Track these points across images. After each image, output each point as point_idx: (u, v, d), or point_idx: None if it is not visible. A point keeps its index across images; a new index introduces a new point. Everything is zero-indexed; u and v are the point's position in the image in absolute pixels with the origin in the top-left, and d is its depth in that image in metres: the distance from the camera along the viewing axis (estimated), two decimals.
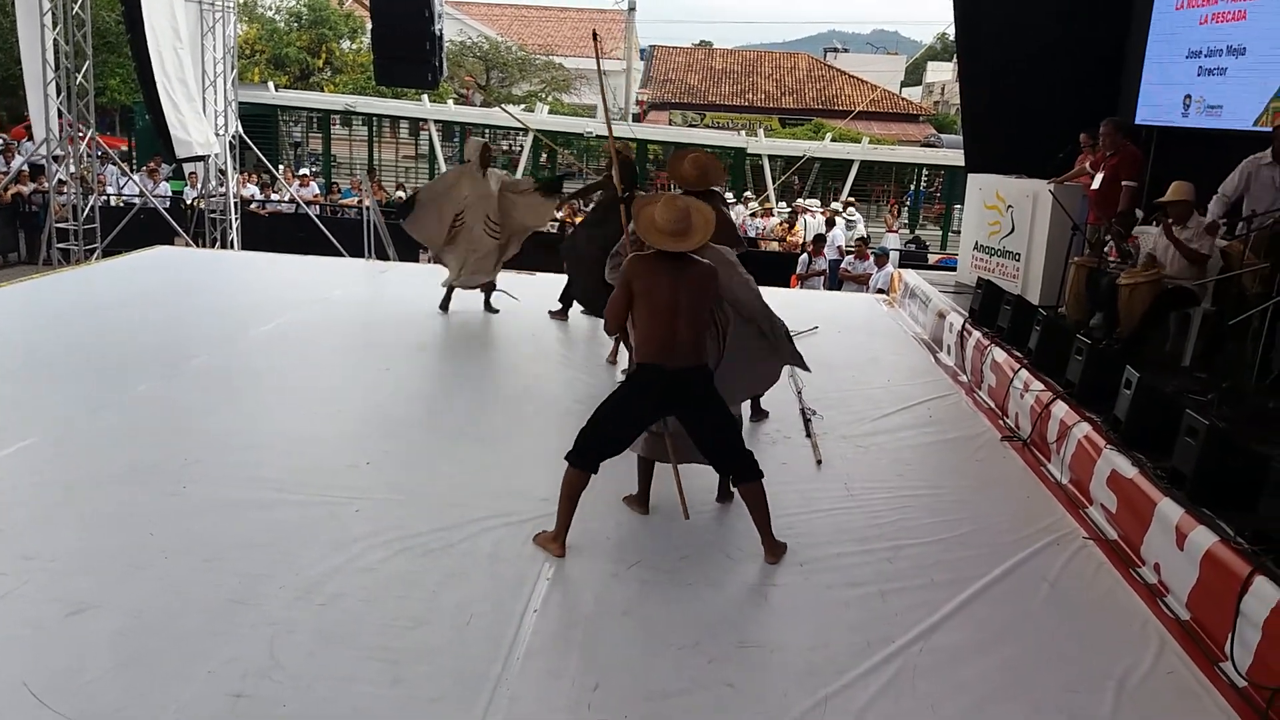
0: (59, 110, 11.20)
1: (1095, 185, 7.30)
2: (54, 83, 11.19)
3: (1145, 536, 4.14)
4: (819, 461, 5.22)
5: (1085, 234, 7.26)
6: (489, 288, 8.30)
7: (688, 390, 3.87)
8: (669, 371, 3.80)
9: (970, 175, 9.70)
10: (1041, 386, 5.74)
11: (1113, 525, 4.49)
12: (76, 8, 11.05)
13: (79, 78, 11.14)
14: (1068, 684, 3.33)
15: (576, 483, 3.89)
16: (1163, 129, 8.60)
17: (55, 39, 11.06)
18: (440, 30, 10.70)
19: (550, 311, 8.29)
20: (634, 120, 30.94)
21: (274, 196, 15.84)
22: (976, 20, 9.92)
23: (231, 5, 13.71)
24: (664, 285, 3.76)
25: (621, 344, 6.35)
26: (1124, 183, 7.08)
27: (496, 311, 8.24)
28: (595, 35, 5.43)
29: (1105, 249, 7.09)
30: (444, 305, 8.23)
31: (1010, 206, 8.55)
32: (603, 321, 4.20)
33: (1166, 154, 8.42)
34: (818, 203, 18.61)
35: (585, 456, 3.88)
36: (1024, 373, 6.01)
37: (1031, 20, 9.35)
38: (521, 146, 21.36)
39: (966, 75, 10.63)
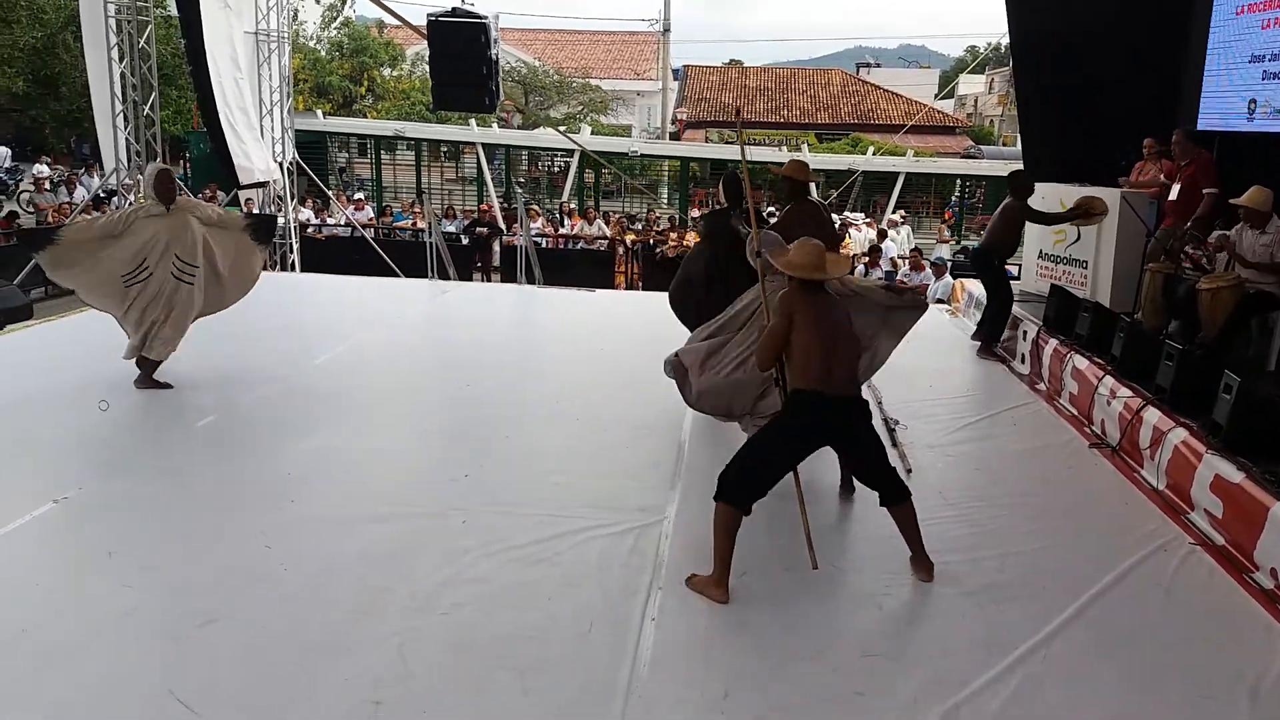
0: (126, 140, 11.47)
1: (1173, 196, 7.22)
2: (121, 114, 11.47)
3: (1259, 541, 4.09)
4: (909, 470, 5.20)
5: (1160, 239, 7.19)
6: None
7: (848, 420, 3.87)
8: (831, 399, 3.80)
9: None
10: (1129, 393, 5.68)
11: (1219, 531, 4.43)
12: (142, 41, 11.33)
13: (145, 109, 11.42)
14: (1199, 690, 3.29)
15: (732, 523, 3.76)
16: (1225, 134, 8.51)
17: (122, 71, 11.35)
18: (496, 55, 10.83)
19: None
20: (671, 138, 31.15)
21: (329, 220, 16.12)
22: (1030, 29, 9.89)
23: (286, 35, 13.99)
24: (823, 310, 3.89)
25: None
26: (1205, 190, 7.00)
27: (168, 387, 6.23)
28: (738, 112, 5.66)
29: (1182, 255, 7.02)
30: (144, 380, 6.19)
31: None
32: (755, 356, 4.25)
33: (1230, 159, 8.32)
34: (862, 216, 18.62)
35: (738, 494, 3.79)
36: (1109, 379, 5.96)
37: (1086, 28, 9.30)
38: (565, 165, 21.55)
39: (1022, 84, 10.58)
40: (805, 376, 3.82)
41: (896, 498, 3.97)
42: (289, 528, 4.25)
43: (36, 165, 19.43)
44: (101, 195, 14.80)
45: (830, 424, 3.86)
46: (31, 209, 17.07)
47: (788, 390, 3.97)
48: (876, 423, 5.80)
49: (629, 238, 15.39)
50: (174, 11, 15.17)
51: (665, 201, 23.57)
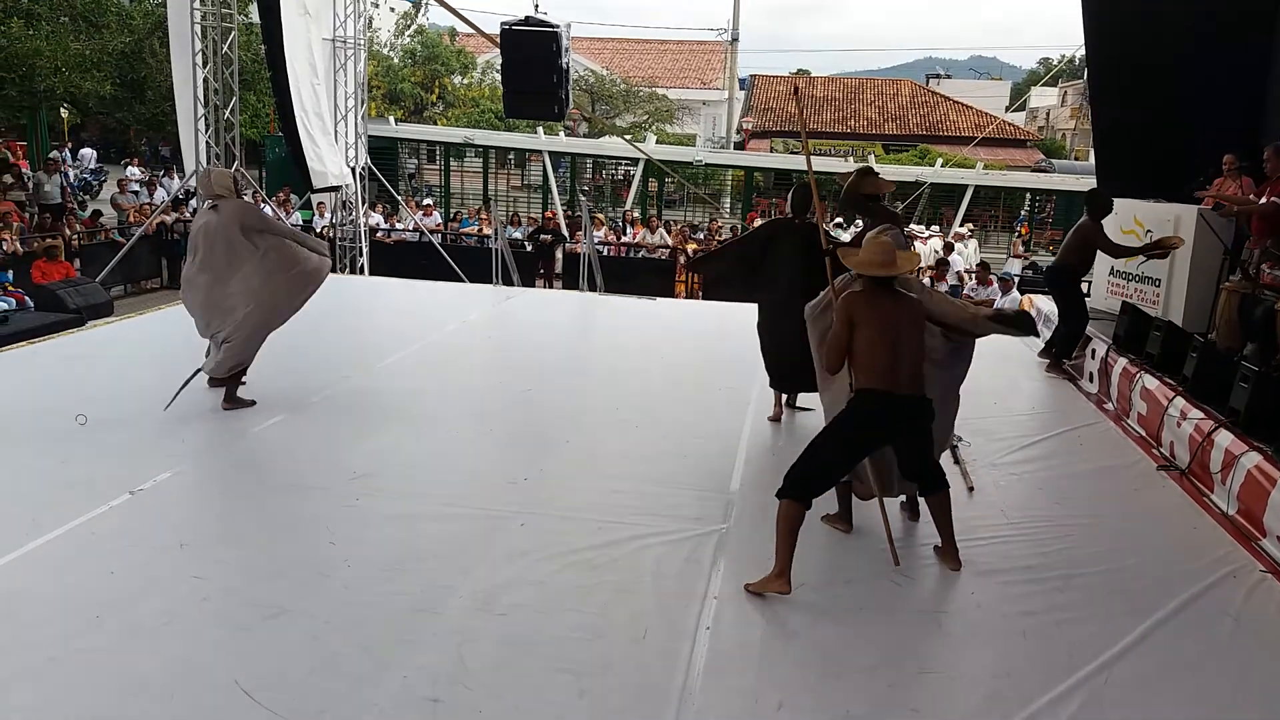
0: (206, 143, 11.86)
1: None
2: (202, 118, 11.86)
3: None
4: (970, 489, 5.14)
5: (1238, 258, 6.99)
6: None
7: (912, 420, 3.95)
8: (896, 397, 3.87)
9: None
10: (1201, 415, 5.54)
11: None
12: (225, 48, 11.71)
13: (225, 113, 11.79)
14: None
15: (795, 517, 3.81)
16: None
17: (205, 77, 11.73)
18: (567, 64, 10.95)
19: None
20: (736, 148, 31.12)
21: (398, 225, 16.45)
22: (1108, 42, 9.69)
23: (363, 42, 14.32)
24: (884, 312, 3.93)
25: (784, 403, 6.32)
26: (1272, 198, 6.79)
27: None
28: (796, 89, 5.61)
29: (1258, 274, 6.81)
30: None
31: (1149, 231, 8.29)
32: (823, 360, 4.27)
33: None
34: (927, 229, 18.39)
35: (802, 490, 3.84)
36: (1180, 400, 5.81)
37: (1165, 43, 9.08)
38: (629, 174, 21.69)
39: (1098, 99, 10.37)
40: (871, 375, 3.88)
41: (936, 487, 4.12)
42: (353, 524, 4.36)
43: (128, 168, 20.14)
44: (180, 197, 15.29)
45: (894, 422, 3.93)
46: (115, 209, 17.70)
47: (854, 388, 3.99)
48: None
49: (690, 247, 15.41)
50: (255, 18, 15.68)
51: (728, 211, 23.57)
